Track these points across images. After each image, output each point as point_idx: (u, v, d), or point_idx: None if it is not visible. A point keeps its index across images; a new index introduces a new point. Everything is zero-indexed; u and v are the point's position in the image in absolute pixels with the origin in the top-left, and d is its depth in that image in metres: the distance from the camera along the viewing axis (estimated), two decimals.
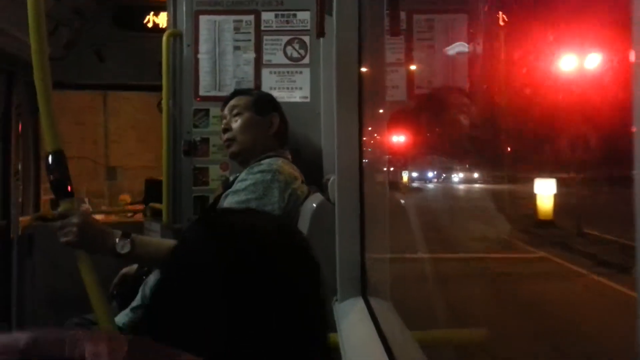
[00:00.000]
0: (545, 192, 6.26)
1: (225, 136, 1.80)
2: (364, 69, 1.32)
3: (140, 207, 3.49)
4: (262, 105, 1.83)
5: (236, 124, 1.78)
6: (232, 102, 1.83)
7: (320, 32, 1.31)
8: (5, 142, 3.28)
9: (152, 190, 3.15)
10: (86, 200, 4.06)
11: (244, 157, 1.80)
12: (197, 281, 0.68)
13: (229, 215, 0.83)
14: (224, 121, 1.83)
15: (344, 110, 1.29)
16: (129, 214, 3.72)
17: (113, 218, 3.77)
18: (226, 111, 1.84)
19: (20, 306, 3.27)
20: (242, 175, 1.66)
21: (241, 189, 1.58)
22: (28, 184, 3.37)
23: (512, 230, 6.19)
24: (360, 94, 1.30)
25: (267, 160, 1.69)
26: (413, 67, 2.55)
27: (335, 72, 1.29)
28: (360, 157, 1.29)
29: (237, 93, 1.89)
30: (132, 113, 8.12)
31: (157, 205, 2.76)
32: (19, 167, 3.31)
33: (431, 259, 4.77)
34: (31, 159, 3.39)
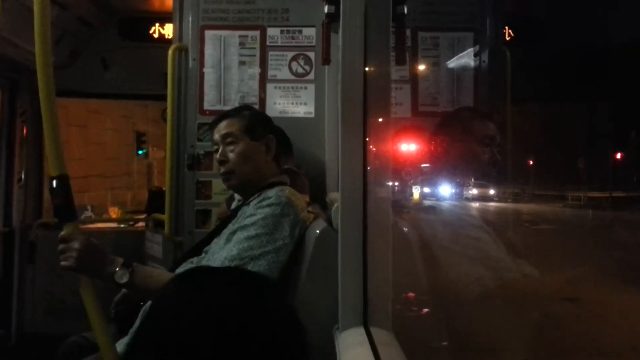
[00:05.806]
0: None
1: (223, 169, 1.64)
2: (369, 88, 1.31)
3: (142, 216, 3.49)
4: (256, 129, 1.66)
5: (232, 154, 1.63)
6: (223, 128, 1.66)
7: (326, 60, 1.31)
8: (10, 148, 3.30)
9: (155, 200, 3.16)
10: (89, 208, 4.06)
11: (245, 188, 1.67)
12: (170, 340, 0.68)
13: (206, 276, 0.81)
14: (219, 151, 1.65)
15: (348, 133, 1.28)
16: (131, 223, 3.72)
17: (115, 226, 3.76)
18: (217, 137, 1.66)
19: (20, 313, 3.28)
20: (250, 210, 1.55)
21: (250, 224, 1.50)
22: (31, 190, 3.37)
23: None
24: (365, 114, 1.30)
25: (273, 192, 1.57)
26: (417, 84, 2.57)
27: (340, 91, 1.28)
28: (365, 181, 1.28)
29: (226, 116, 1.70)
30: None
31: (159, 216, 2.76)
32: (23, 174, 3.33)
33: None
34: (35, 165, 3.39)
